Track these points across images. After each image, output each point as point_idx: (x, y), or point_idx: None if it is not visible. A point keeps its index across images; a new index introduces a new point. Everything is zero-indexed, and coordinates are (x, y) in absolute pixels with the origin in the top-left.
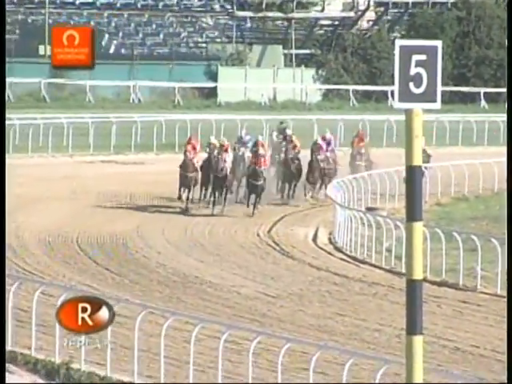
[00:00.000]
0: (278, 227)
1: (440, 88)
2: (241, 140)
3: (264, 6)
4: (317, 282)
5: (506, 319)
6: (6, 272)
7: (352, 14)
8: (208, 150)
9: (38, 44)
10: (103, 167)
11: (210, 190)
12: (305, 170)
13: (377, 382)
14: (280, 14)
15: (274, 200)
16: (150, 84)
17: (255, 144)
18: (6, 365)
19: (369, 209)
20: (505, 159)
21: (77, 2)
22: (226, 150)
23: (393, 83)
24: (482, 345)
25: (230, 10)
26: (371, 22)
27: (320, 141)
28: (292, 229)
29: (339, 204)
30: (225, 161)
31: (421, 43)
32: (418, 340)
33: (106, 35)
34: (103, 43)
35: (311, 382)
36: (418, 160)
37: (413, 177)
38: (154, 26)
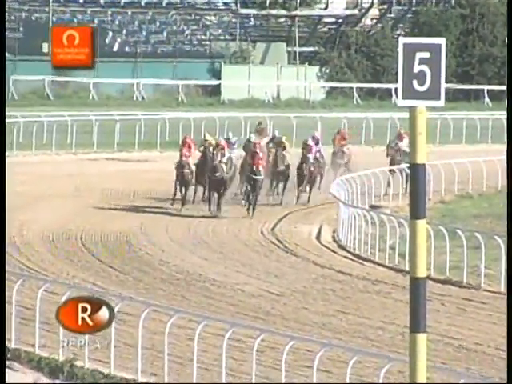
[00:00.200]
0: (282, 225)
1: (444, 86)
2: (228, 141)
3: (268, 3)
4: (320, 279)
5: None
6: (11, 270)
7: (356, 11)
8: (203, 147)
9: (42, 42)
10: (107, 165)
11: (206, 188)
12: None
13: (380, 379)
14: (284, 12)
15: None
16: (154, 82)
17: (254, 145)
18: (10, 363)
19: (372, 207)
20: None
21: (80, 0)
22: (223, 149)
23: (396, 81)
24: (485, 343)
25: (234, 8)
26: (375, 20)
27: (310, 141)
28: (296, 226)
29: (343, 202)
30: (220, 161)
31: (424, 41)
32: (421, 338)
33: (110, 33)
34: (107, 41)
35: (315, 379)
36: (421, 158)
37: (416, 174)
38: (157, 24)
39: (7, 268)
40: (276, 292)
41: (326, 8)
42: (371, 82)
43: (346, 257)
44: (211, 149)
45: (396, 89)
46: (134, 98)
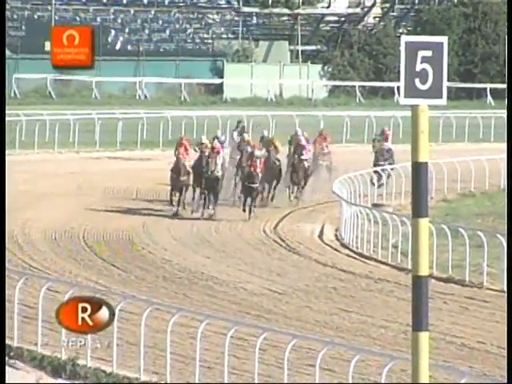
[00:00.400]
0: (284, 223)
1: (446, 84)
2: (218, 139)
3: (270, 2)
4: (323, 278)
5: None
6: (13, 268)
7: (358, 10)
8: (197, 149)
9: (44, 40)
10: (109, 163)
11: (201, 191)
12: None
13: (383, 378)
14: (286, 10)
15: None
16: (156, 80)
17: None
18: (13, 361)
19: (375, 205)
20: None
21: None
22: (218, 152)
23: (399, 79)
24: (488, 341)
25: (236, 6)
26: (377, 18)
27: (303, 141)
28: (298, 225)
29: (345, 200)
30: (215, 163)
31: (427, 39)
32: (424, 336)
33: (112, 31)
34: (109, 39)
35: (317, 378)
36: (423, 156)
37: (419, 173)
38: (160, 22)
39: (9, 266)
40: (278, 290)
41: (328, 6)
42: (374, 80)
43: (348, 255)
44: (207, 153)
45: (398, 87)
46: (137, 97)
